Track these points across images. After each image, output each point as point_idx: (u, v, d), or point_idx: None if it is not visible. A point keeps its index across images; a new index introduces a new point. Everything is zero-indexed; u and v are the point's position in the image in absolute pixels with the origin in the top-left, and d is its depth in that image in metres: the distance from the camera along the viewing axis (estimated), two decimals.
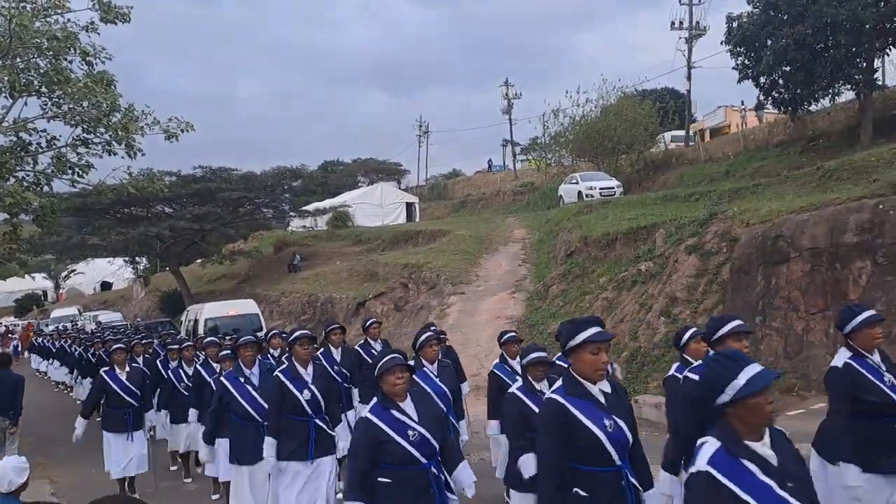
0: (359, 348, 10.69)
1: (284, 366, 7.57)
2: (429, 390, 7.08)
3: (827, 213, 13.04)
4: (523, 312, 20.46)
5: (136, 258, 48.81)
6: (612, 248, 20.35)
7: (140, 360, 13.90)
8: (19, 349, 39.01)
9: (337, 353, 10.50)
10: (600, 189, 30.97)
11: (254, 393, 7.99)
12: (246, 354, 8.18)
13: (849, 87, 25.66)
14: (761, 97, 28.37)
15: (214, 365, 10.56)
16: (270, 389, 7.42)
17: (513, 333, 8.69)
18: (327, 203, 49.41)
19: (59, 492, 11.57)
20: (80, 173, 15.62)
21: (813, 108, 27.48)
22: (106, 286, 69.85)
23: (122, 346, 11.22)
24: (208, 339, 12.13)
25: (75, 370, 20.20)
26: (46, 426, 17.83)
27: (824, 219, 12.88)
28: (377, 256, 33.51)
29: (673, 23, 43.50)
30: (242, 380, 8.09)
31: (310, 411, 7.13)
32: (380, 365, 5.28)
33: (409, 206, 52.22)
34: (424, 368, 7.70)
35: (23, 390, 12.57)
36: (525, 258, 25.76)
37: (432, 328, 9.45)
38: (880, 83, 27.17)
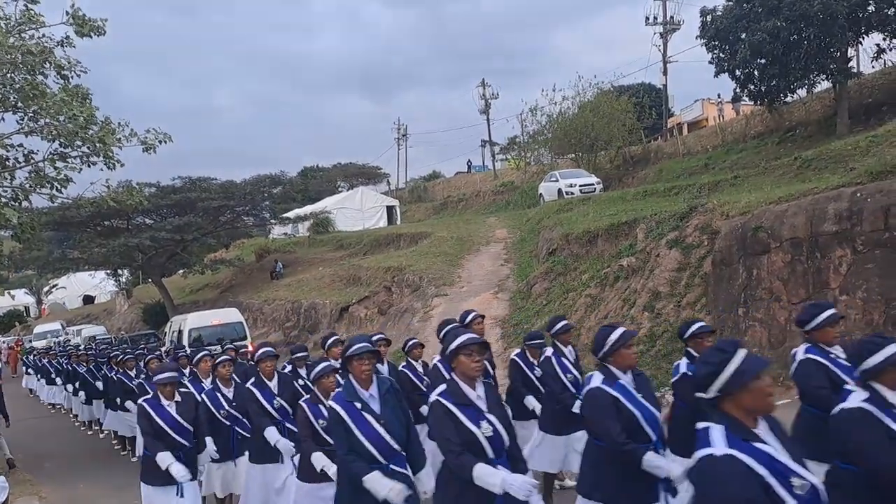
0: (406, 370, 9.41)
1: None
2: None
3: (806, 203, 13.11)
4: (507, 312, 20.49)
5: (118, 271, 48.53)
6: (594, 244, 20.40)
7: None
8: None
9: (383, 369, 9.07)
10: (580, 186, 31.07)
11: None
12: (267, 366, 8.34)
13: (824, 77, 25.85)
14: (738, 90, 28.54)
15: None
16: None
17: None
18: (308, 209, 49.32)
19: None
20: (59, 187, 15.52)
21: (789, 99, 27.67)
22: (88, 300, 69.44)
23: (173, 377, 8.13)
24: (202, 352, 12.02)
25: (70, 386, 19.69)
26: (34, 443, 17.76)
27: (803, 208, 12.94)
28: (359, 261, 33.49)
29: (647, 18, 43.77)
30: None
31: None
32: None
33: (390, 209, 52.24)
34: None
35: (2, 394, 15.00)
36: (507, 258, 25.80)
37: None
38: (855, 72, 27.40)
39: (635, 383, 5.21)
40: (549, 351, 8.20)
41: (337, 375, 6.81)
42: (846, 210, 12.01)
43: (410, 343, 9.76)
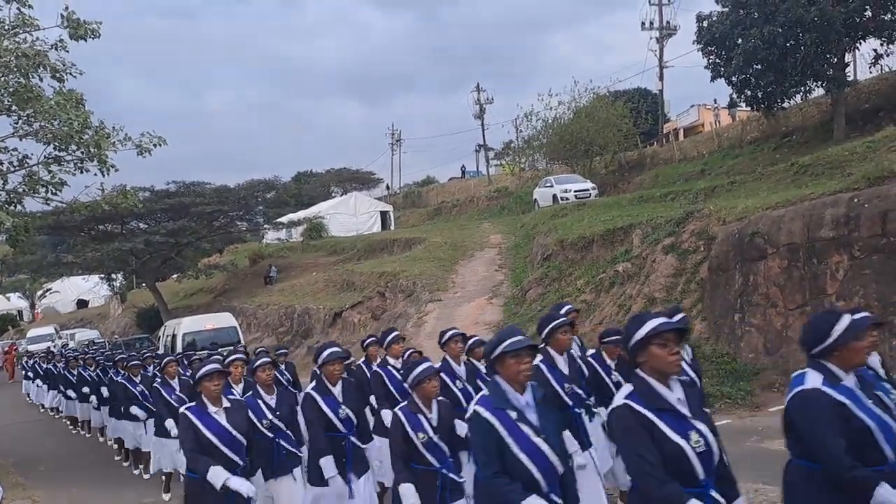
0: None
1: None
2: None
3: (803, 209, 13.10)
4: (501, 318, 20.44)
5: (112, 275, 48.42)
6: (589, 250, 20.38)
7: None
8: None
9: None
10: (575, 192, 31.01)
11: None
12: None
13: (819, 83, 25.85)
14: (734, 95, 28.54)
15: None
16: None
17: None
18: (301, 214, 49.27)
19: None
20: (53, 191, 15.44)
21: (786, 104, 27.68)
22: (82, 304, 69.24)
23: (217, 367, 6.44)
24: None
25: (72, 392, 18.80)
26: (26, 446, 17.66)
27: (800, 214, 12.94)
28: (353, 266, 33.44)
29: (643, 23, 43.80)
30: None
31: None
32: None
33: (384, 214, 52.18)
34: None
35: None
36: (501, 263, 25.77)
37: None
38: (851, 78, 27.41)
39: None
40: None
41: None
42: (843, 216, 12.00)
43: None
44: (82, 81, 15.83)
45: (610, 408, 3.85)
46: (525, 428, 4.18)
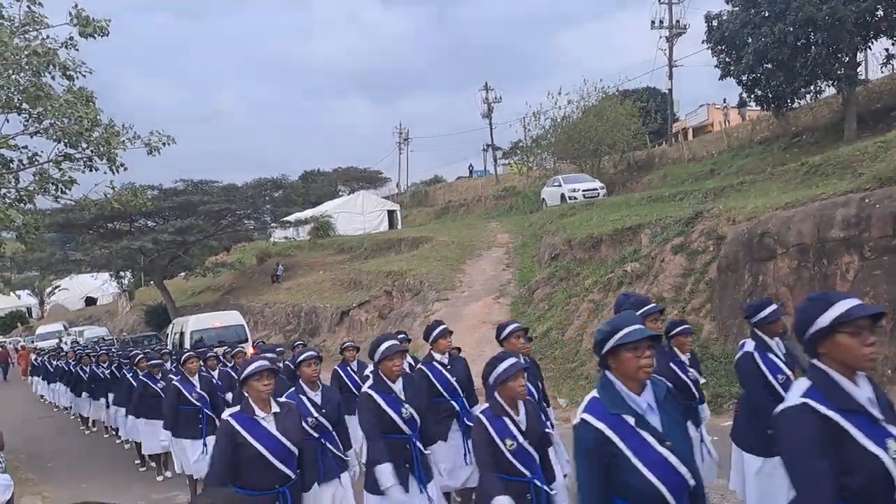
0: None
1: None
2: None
3: (813, 209, 13.04)
4: (508, 317, 20.38)
5: (120, 273, 48.57)
6: (598, 249, 20.33)
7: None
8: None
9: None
10: (583, 191, 30.97)
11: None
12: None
13: (830, 83, 25.76)
14: (744, 95, 28.47)
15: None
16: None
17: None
18: (308, 213, 49.36)
19: None
20: (63, 189, 15.49)
21: (796, 104, 27.59)
22: (90, 301, 69.48)
23: (268, 364, 5.58)
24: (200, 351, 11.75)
25: (83, 392, 18.43)
26: (35, 443, 17.71)
27: (810, 214, 12.87)
28: (360, 265, 33.46)
29: (653, 22, 43.69)
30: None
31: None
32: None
33: (391, 213, 52.21)
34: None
35: None
36: (509, 262, 25.73)
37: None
38: (862, 78, 27.30)
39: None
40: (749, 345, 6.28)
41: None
42: (854, 216, 11.93)
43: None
44: (92, 80, 15.86)
45: (780, 408, 3.21)
46: (646, 435, 3.47)
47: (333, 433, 6.77)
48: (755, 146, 30.66)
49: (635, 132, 38.19)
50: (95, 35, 15.04)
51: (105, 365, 17.34)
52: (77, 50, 15.25)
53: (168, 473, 12.54)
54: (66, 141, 15.11)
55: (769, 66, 25.60)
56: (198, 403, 10.18)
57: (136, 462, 14.04)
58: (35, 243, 18.18)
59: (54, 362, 23.47)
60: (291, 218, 46.00)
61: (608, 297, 17.71)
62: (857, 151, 17.96)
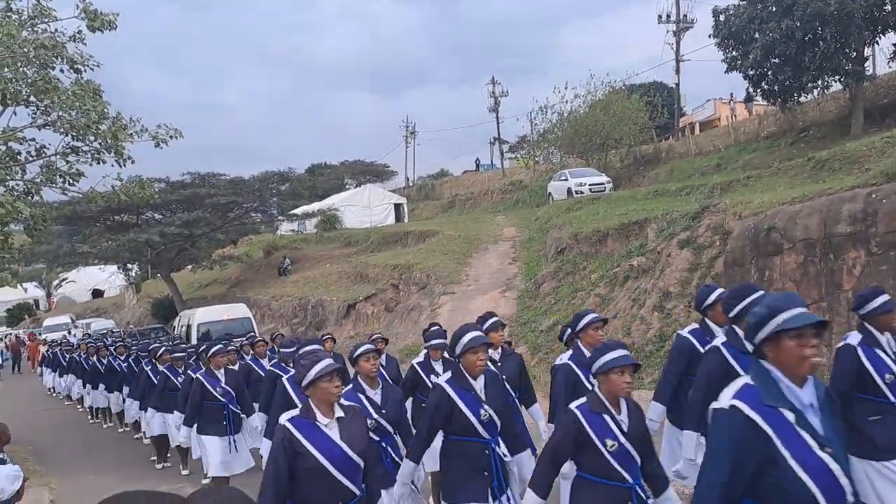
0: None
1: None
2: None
3: (819, 204, 13.02)
4: (515, 311, 20.42)
5: (128, 265, 48.70)
6: (604, 244, 20.33)
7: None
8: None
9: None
10: (590, 185, 30.95)
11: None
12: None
13: (838, 78, 25.69)
14: (750, 89, 28.42)
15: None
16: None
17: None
18: (315, 206, 49.35)
19: (58, 500, 11.52)
20: (71, 181, 15.56)
21: (803, 99, 27.52)
22: (97, 294, 69.63)
23: (335, 364, 4.82)
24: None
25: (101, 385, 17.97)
26: (43, 435, 17.82)
27: (817, 209, 12.86)
28: (366, 258, 33.47)
29: (660, 16, 43.60)
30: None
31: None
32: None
33: (398, 207, 52.19)
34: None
35: None
36: (515, 256, 25.73)
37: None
38: (870, 73, 27.23)
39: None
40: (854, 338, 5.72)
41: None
42: (861, 211, 11.92)
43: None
44: (99, 73, 15.93)
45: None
46: (806, 436, 3.05)
47: (395, 436, 6.29)
48: (762, 141, 30.59)
49: (642, 127, 38.18)
50: (103, 29, 15.10)
51: (122, 357, 17.00)
52: (85, 43, 15.34)
53: (185, 472, 12.36)
54: (73, 134, 15.18)
55: (776, 61, 25.55)
56: (223, 399, 9.74)
57: (153, 459, 13.74)
58: (42, 236, 18.27)
59: (67, 355, 23.02)
60: (298, 211, 46.01)
61: (614, 291, 17.72)
62: (865, 146, 17.93)
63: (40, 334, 43.68)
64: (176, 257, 42.70)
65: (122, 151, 15.37)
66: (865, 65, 26.09)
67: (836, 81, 26.41)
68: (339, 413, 4.73)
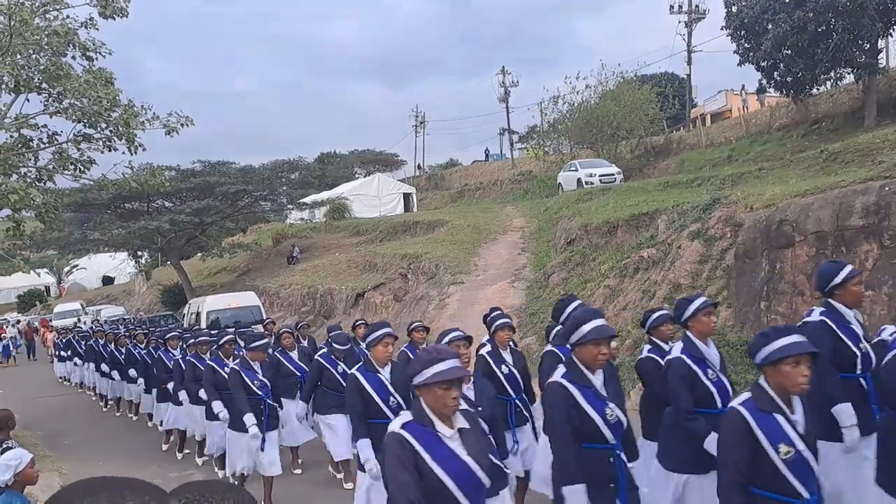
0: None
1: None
2: None
3: (832, 197, 12.97)
4: (523, 301, 20.42)
5: (138, 252, 48.86)
6: (614, 235, 20.30)
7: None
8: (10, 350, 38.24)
9: None
10: (600, 176, 30.89)
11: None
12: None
13: (851, 70, 25.56)
14: (763, 81, 28.30)
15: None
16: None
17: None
18: (325, 195, 49.37)
19: (67, 484, 11.56)
20: (83, 169, 15.60)
21: (815, 91, 27.39)
22: (108, 281, 69.92)
23: (460, 367, 4.09)
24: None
25: (115, 372, 17.73)
26: (53, 420, 17.91)
27: (829, 202, 12.81)
28: (375, 247, 33.48)
29: (672, 7, 43.43)
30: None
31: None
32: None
33: (407, 196, 52.16)
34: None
35: None
36: (524, 247, 25.71)
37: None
38: (883, 65, 27.09)
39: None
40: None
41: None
42: (874, 204, 11.87)
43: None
44: (111, 61, 15.95)
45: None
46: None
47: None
48: (774, 133, 30.47)
49: (653, 117, 38.07)
50: (115, 16, 15.11)
51: (143, 345, 16.33)
52: (97, 30, 15.34)
53: (200, 461, 12.34)
54: (85, 121, 15.22)
55: (789, 52, 25.44)
56: (259, 393, 9.08)
57: (164, 447, 13.69)
58: (54, 222, 18.29)
59: (83, 342, 22.31)
60: (308, 200, 46.02)
61: (624, 282, 17.70)
62: (877, 139, 17.84)
63: (51, 321, 43.85)
64: (186, 245, 42.80)
65: (133, 139, 15.40)
66: (879, 57, 25.95)
67: (848, 73, 26.28)
68: (462, 422, 3.87)
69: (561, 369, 4.77)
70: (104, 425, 17.37)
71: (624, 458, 4.71)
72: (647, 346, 6.74)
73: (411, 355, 9.35)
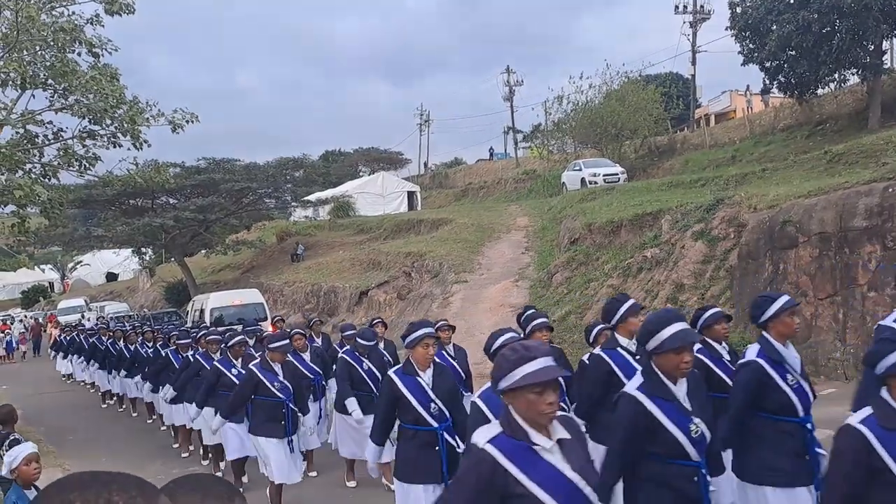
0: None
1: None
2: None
3: (835, 198, 12.99)
4: (527, 300, 20.40)
5: (142, 249, 48.89)
6: (617, 234, 20.31)
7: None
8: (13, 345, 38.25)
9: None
10: (604, 176, 30.89)
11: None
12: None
13: (855, 71, 25.54)
14: (767, 81, 28.30)
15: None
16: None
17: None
18: (329, 193, 49.39)
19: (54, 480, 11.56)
20: (88, 165, 15.65)
21: (819, 92, 27.38)
22: (111, 277, 69.94)
23: (554, 367, 3.41)
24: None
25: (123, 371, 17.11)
26: (58, 416, 17.94)
27: (833, 203, 12.83)
28: (379, 245, 33.50)
29: (677, 6, 43.39)
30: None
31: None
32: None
33: (411, 194, 52.16)
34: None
35: None
36: (528, 246, 25.72)
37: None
38: (888, 66, 27.06)
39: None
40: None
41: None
42: (877, 205, 11.89)
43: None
44: (116, 57, 15.98)
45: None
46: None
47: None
48: (778, 133, 30.46)
49: (657, 117, 38.05)
50: (121, 13, 15.15)
51: (150, 344, 15.71)
52: (103, 27, 15.39)
53: (205, 462, 12.04)
54: (90, 117, 15.25)
55: (793, 53, 25.43)
56: (280, 395, 8.46)
57: (175, 445, 13.33)
58: (58, 218, 18.35)
59: (90, 338, 21.58)
60: (312, 197, 46.01)
61: (627, 282, 17.72)
62: (881, 140, 17.85)
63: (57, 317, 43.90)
64: (190, 242, 42.82)
65: (138, 135, 15.45)
66: (883, 58, 25.93)
67: (853, 74, 26.28)
68: (561, 431, 3.25)
69: (637, 379, 4.24)
70: (108, 422, 17.40)
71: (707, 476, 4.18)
72: (697, 346, 6.11)
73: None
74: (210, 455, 11.72)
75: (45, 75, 14.83)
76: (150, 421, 16.05)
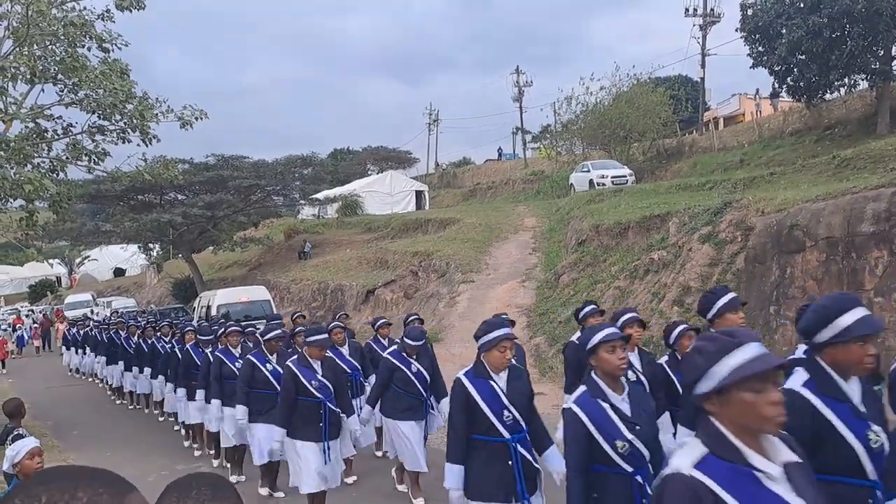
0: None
1: None
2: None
3: (843, 202, 12.96)
4: (533, 301, 20.44)
5: (149, 245, 49.01)
6: (625, 236, 20.30)
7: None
8: (24, 340, 38.36)
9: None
10: (612, 177, 30.87)
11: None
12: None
13: (865, 76, 25.49)
14: (776, 85, 28.25)
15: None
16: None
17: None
18: (337, 191, 49.45)
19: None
20: (97, 160, 15.70)
21: (828, 96, 27.32)
22: (119, 272, 70.18)
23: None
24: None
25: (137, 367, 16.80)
26: (61, 410, 18.01)
27: (840, 208, 12.81)
28: (387, 244, 33.54)
29: (687, 9, 43.29)
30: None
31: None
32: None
33: (419, 194, 52.18)
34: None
35: None
36: (535, 247, 25.73)
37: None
38: None
39: None
40: None
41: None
42: (885, 211, 11.86)
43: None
44: (126, 53, 16.04)
45: None
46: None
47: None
48: (786, 137, 30.40)
49: (666, 120, 38.02)
50: (132, 9, 15.20)
51: (167, 339, 15.11)
52: (113, 22, 15.44)
53: (216, 462, 11.51)
54: (100, 113, 15.30)
55: (803, 57, 25.38)
56: (319, 395, 7.79)
57: (190, 445, 13.00)
58: (67, 213, 18.40)
59: (103, 333, 21.07)
60: (320, 195, 46.08)
61: (634, 284, 17.70)
62: (890, 146, 17.82)
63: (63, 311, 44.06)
64: (197, 238, 42.91)
65: (147, 131, 15.50)
66: (893, 64, 25.85)
67: (862, 80, 26.22)
68: (787, 453, 2.50)
69: (800, 375, 3.50)
70: (114, 417, 17.45)
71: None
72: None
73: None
74: (225, 459, 11.22)
75: (55, 70, 14.89)
76: (163, 419, 15.75)
